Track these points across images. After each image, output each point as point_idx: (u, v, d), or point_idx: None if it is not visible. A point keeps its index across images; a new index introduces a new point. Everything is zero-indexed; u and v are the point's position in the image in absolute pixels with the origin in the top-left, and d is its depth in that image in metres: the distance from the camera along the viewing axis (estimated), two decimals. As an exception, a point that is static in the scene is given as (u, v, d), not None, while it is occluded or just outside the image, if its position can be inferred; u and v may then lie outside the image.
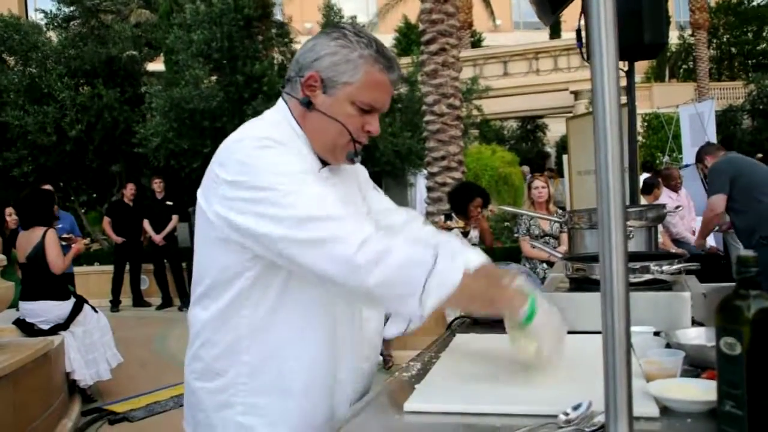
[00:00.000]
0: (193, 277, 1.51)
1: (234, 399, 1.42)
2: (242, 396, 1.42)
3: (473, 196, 5.77)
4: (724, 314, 1.03)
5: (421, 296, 1.28)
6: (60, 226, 6.53)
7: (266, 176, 1.32)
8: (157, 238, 9.49)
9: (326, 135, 1.45)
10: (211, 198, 1.39)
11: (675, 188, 7.61)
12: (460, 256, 1.36)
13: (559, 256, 2.34)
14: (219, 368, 1.44)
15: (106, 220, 9.95)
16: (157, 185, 9.69)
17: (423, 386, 1.40)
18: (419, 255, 1.30)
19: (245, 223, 1.33)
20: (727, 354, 1.02)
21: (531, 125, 22.60)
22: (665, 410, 1.18)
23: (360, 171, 1.68)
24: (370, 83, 1.42)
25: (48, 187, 7.10)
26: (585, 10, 0.95)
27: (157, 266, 9.75)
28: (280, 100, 1.52)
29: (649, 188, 7.17)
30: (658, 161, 14.45)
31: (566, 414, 1.15)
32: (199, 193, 1.44)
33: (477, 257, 1.47)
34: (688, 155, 11.67)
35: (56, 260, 4.96)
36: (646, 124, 17.77)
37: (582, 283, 2.01)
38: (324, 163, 1.50)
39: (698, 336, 1.53)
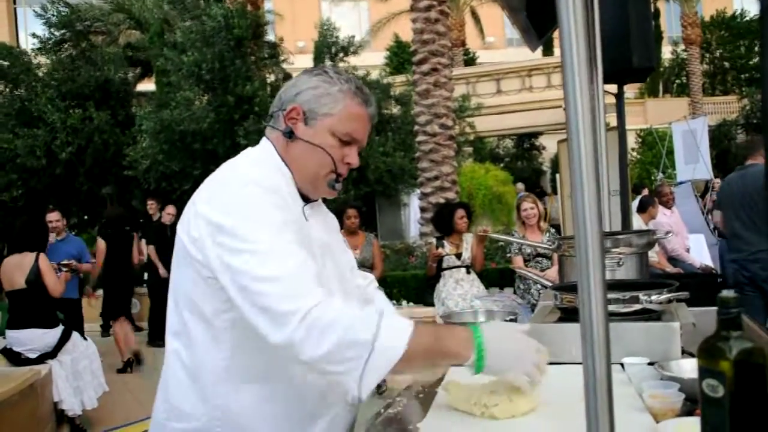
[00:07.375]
0: (168, 306, 1.48)
1: None
2: None
3: (454, 209, 5.76)
4: (705, 355, 1.00)
5: (360, 377, 1.25)
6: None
7: (247, 226, 1.31)
8: (163, 271, 8.29)
9: (309, 164, 1.48)
10: (192, 234, 1.38)
11: (667, 205, 7.59)
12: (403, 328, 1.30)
13: (548, 284, 2.31)
14: (190, 410, 1.41)
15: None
16: (152, 207, 9.36)
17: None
18: (359, 334, 1.26)
19: (217, 267, 1.32)
20: (710, 396, 0.98)
21: (527, 144, 22.62)
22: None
23: (332, 221, 1.69)
24: (349, 115, 1.47)
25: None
26: (560, 35, 0.93)
27: (156, 299, 8.58)
28: (264, 140, 1.54)
29: (644, 206, 7.14)
30: (653, 177, 14.45)
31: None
32: (179, 228, 1.43)
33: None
34: (682, 172, 11.67)
35: (55, 284, 4.97)
36: (640, 140, 17.80)
37: (571, 314, 1.97)
38: (306, 201, 1.51)
39: (691, 369, 1.48)
